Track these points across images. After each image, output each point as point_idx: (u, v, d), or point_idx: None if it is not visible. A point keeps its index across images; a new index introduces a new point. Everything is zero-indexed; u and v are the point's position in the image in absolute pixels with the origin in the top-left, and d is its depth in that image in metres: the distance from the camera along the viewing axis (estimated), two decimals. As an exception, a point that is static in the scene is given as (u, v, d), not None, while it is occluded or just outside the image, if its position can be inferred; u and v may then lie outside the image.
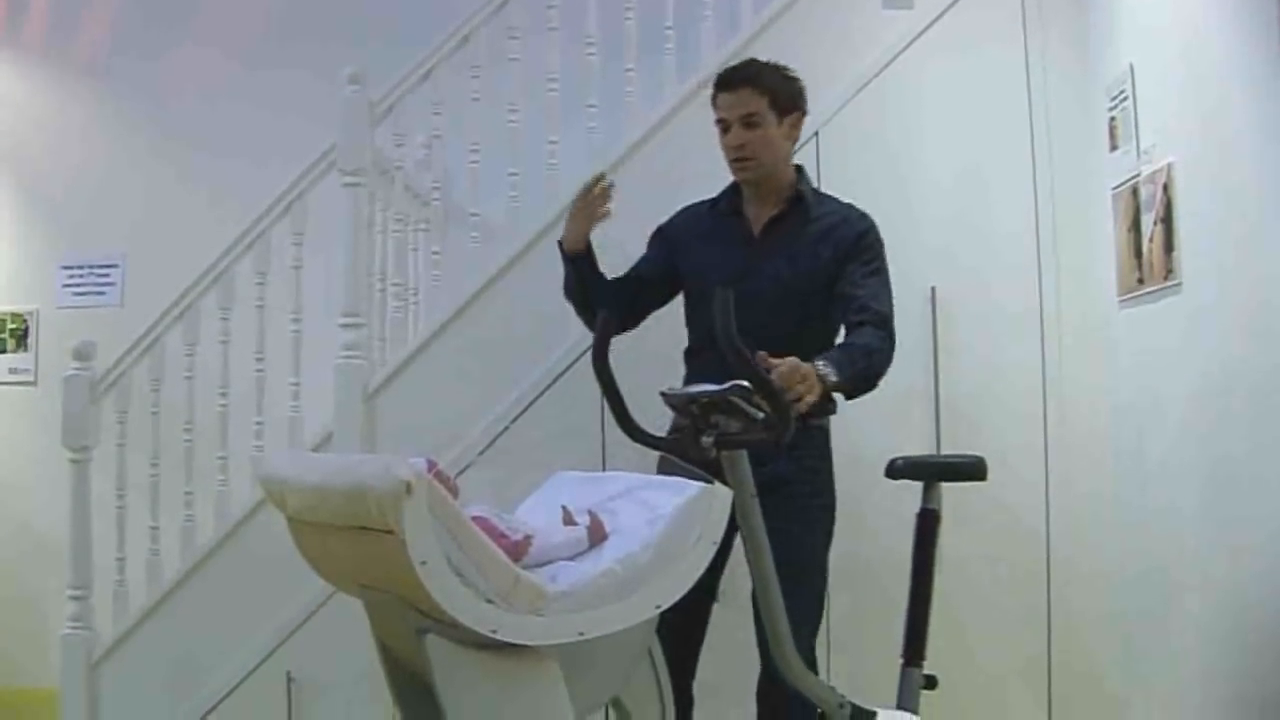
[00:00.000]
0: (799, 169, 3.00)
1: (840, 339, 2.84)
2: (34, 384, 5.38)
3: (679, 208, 3.11)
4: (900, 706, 2.66)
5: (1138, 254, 3.40)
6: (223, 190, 4.85)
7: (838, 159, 3.63)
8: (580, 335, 3.41)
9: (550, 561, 2.10)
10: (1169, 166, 3.18)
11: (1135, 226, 3.41)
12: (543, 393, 3.71)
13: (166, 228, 5.08)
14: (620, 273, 3.07)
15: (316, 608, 3.64)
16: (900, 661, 2.71)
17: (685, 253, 3.01)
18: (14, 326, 5.47)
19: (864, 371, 2.66)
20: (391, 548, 1.90)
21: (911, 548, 2.73)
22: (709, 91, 2.99)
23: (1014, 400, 3.73)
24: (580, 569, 2.08)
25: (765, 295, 2.79)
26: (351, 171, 3.77)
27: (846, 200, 2.97)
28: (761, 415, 2.22)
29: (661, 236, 3.09)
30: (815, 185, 3.05)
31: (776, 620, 2.38)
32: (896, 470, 2.77)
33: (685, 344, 3.00)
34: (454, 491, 2.03)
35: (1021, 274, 3.76)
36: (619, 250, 3.12)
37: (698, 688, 2.87)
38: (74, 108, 5.46)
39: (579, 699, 2.10)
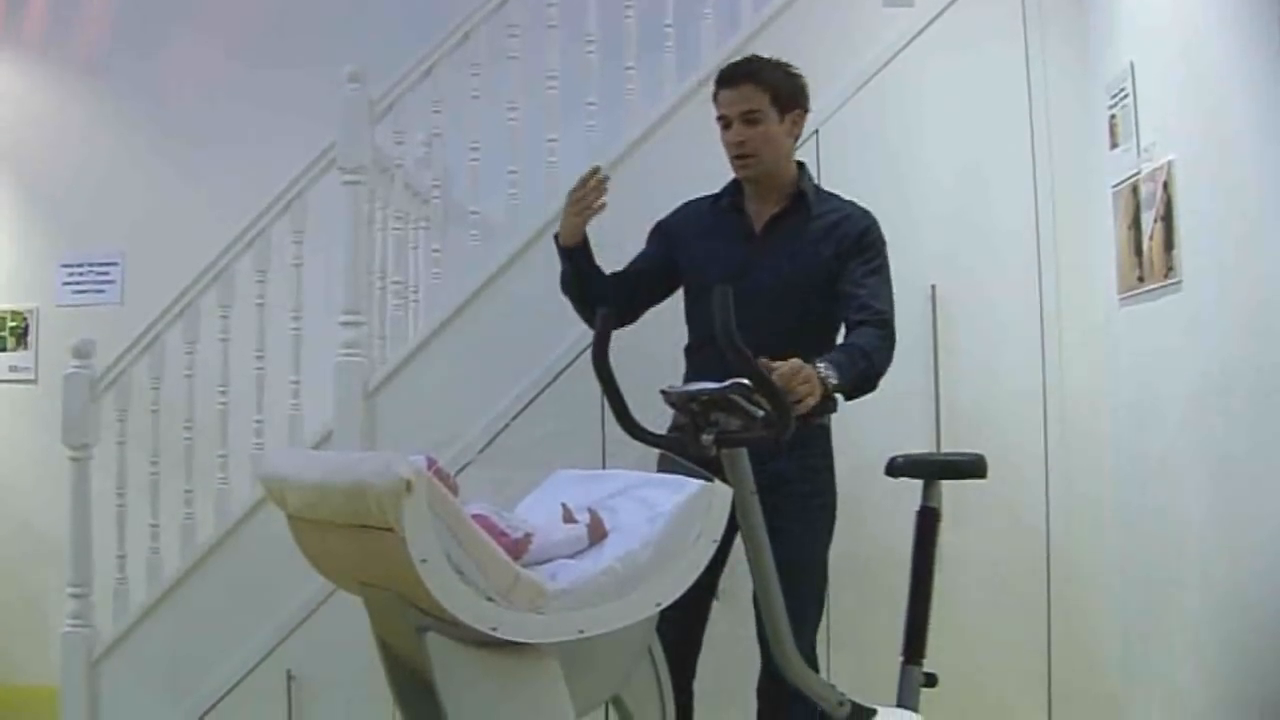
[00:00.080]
0: (801, 166, 2.98)
1: (840, 337, 2.84)
2: (34, 382, 5.39)
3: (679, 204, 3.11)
4: (900, 704, 2.67)
5: (1138, 252, 3.40)
6: (222, 188, 4.84)
7: (838, 157, 3.63)
8: (580, 334, 3.41)
9: (550, 559, 2.10)
10: (1169, 164, 3.18)
11: (1135, 224, 3.40)
12: (543, 391, 3.71)
13: (166, 226, 5.08)
14: (618, 269, 3.06)
15: (317, 606, 3.65)
16: (900, 659, 2.71)
17: (685, 248, 3.00)
18: (14, 324, 5.47)
19: (864, 373, 2.65)
20: (391, 545, 1.90)
21: (912, 546, 2.73)
22: (709, 90, 2.98)
23: (1014, 398, 3.72)
24: (580, 567, 2.08)
25: (765, 292, 2.78)
26: (351, 169, 3.77)
27: (849, 198, 2.97)
28: (761, 413, 2.22)
29: (661, 232, 3.08)
30: (817, 182, 3.04)
31: (777, 618, 2.38)
32: (896, 468, 2.78)
33: (685, 341, 2.99)
34: (454, 489, 2.03)
35: (1021, 272, 3.75)
36: (618, 249, 3.11)
37: (698, 686, 2.87)
38: (74, 106, 5.46)
39: (579, 697, 2.10)
